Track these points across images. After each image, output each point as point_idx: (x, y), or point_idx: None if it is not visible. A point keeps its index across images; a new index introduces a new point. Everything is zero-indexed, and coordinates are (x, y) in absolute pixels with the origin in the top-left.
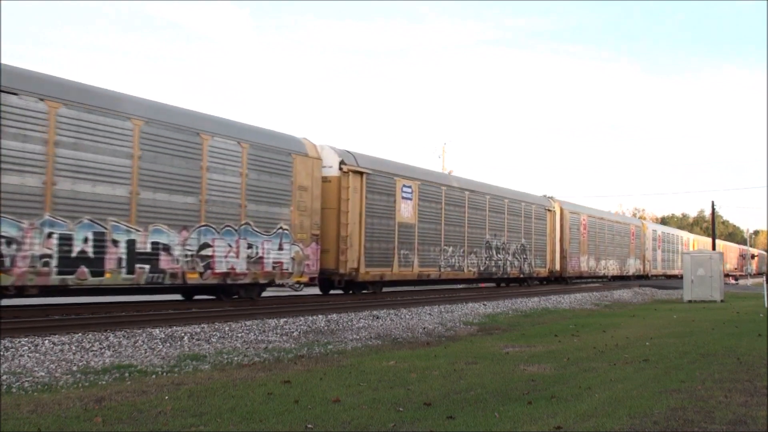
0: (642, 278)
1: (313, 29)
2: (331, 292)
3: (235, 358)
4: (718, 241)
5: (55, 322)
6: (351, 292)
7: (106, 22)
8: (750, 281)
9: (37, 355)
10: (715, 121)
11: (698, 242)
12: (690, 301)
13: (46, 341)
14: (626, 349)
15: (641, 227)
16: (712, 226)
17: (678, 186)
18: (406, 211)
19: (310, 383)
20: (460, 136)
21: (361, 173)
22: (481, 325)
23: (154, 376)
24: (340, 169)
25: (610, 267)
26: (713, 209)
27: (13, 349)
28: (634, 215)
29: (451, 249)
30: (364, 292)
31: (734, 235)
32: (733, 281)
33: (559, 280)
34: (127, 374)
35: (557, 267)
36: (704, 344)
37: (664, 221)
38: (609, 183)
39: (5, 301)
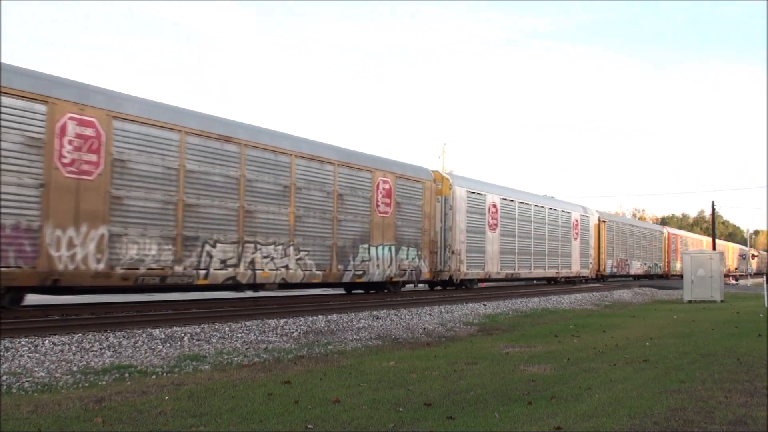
0: (432, 284)
1: (314, 29)
2: None
3: (235, 359)
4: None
5: (55, 322)
6: None
7: (106, 22)
8: (750, 281)
9: (37, 355)
10: (715, 120)
11: (608, 225)
12: (690, 302)
13: (46, 341)
14: (626, 349)
15: (425, 185)
16: (712, 226)
17: (678, 186)
18: None
19: (310, 383)
20: (460, 136)
21: None
22: (481, 326)
23: (154, 377)
24: None
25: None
26: (713, 209)
27: (13, 350)
28: (634, 215)
29: None
30: None
31: (734, 235)
32: (733, 281)
33: None
34: (127, 374)
35: None
36: (704, 345)
37: (664, 221)
38: (609, 183)
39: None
